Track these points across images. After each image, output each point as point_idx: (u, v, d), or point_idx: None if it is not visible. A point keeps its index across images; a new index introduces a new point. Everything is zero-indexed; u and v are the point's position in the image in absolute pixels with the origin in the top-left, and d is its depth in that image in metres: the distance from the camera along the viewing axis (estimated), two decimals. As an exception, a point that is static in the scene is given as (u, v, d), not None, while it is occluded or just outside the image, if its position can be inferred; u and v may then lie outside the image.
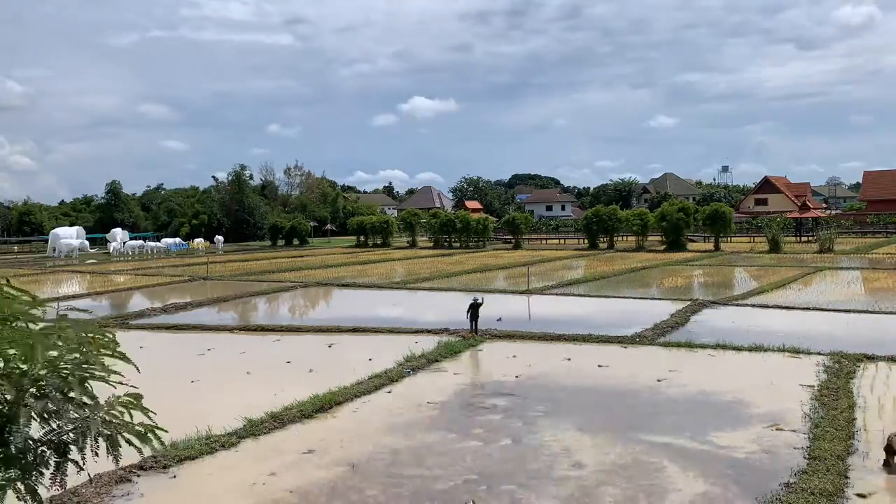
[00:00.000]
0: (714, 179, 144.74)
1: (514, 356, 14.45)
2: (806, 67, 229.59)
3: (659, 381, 12.33)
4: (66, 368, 4.74)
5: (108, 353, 5.00)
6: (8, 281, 5.03)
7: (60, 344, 4.80)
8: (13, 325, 4.76)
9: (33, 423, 4.57)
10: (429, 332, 17.27)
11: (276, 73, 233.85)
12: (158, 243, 63.07)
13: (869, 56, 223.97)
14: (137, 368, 5.16)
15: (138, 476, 8.20)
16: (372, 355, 14.52)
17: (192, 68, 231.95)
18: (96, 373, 4.86)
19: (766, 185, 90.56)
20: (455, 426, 10.08)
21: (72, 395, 4.70)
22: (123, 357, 5.13)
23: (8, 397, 4.51)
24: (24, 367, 4.60)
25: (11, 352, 4.60)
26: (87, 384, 4.79)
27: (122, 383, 5.03)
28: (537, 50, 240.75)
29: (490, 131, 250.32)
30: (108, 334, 5.17)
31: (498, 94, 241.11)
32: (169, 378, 12.63)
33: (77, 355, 4.82)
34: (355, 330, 17.95)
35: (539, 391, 11.93)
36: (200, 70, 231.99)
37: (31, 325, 4.87)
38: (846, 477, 7.73)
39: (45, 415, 4.59)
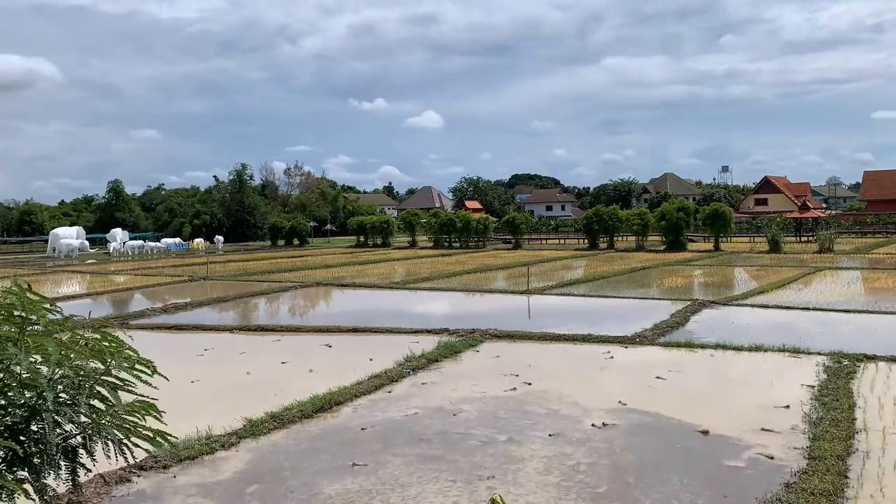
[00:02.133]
0: (714, 179, 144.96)
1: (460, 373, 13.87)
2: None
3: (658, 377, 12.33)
4: (87, 377, 4.79)
5: (127, 364, 5.07)
6: (29, 286, 5.06)
7: (82, 353, 4.86)
8: (34, 331, 4.81)
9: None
10: (429, 332, 17.26)
11: (209, 53, 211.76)
12: (158, 243, 63.13)
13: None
14: (166, 378, 5.29)
15: (138, 476, 8.21)
16: (372, 355, 14.52)
17: (109, 47, 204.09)
18: (117, 382, 4.96)
19: (766, 185, 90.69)
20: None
21: (91, 402, 4.77)
22: (147, 365, 5.20)
23: (29, 403, 4.56)
24: (47, 372, 4.64)
25: (36, 358, 4.65)
26: (108, 394, 4.87)
27: (143, 396, 5.13)
28: (521, 20, 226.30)
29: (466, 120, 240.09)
30: (126, 344, 5.23)
31: (471, 74, 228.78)
32: (169, 380, 12.62)
33: (98, 364, 4.89)
34: (355, 330, 17.95)
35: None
36: (117, 48, 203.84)
37: (52, 332, 4.93)
38: (846, 477, 7.74)
39: (59, 419, 4.64)
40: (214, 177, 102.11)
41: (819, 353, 13.69)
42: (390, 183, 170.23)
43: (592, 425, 9.93)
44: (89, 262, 50.81)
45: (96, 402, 4.82)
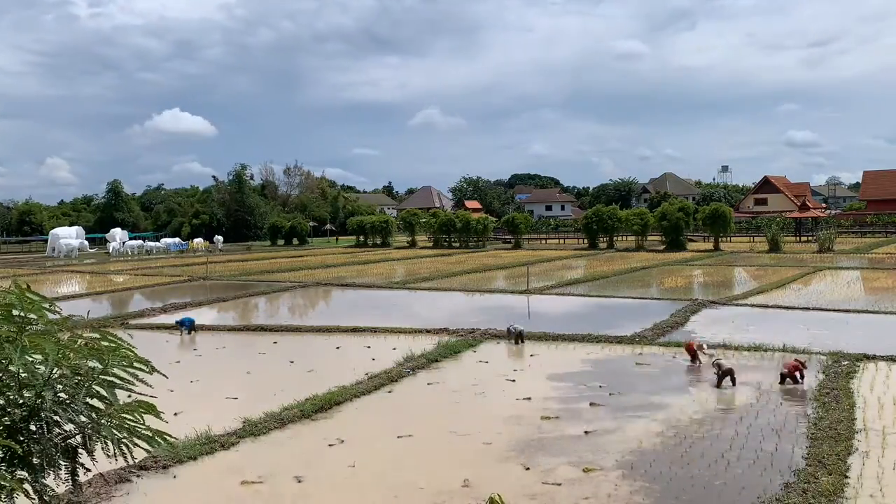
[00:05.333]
0: (714, 179, 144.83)
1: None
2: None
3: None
4: (85, 376, 4.79)
5: (125, 363, 5.07)
6: (28, 286, 5.05)
7: (80, 352, 4.86)
8: (33, 330, 4.80)
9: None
10: (428, 332, 17.25)
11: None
12: (158, 243, 63.14)
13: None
14: (165, 375, 5.29)
15: (138, 476, 8.20)
16: (371, 355, 14.52)
17: None
18: (115, 381, 4.96)
19: (766, 185, 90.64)
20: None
21: (88, 401, 4.76)
22: (144, 363, 5.19)
23: (28, 403, 4.55)
24: (45, 371, 4.63)
25: (37, 358, 4.65)
26: (106, 392, 4.86)
27: (142, 394, 5.12)
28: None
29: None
30: (126, 343, 5.22)
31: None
32: (168, 378, 12.61)
33: (96, 363, 4.89)
34: (355, 330, 17.92)
35: None
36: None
37: (50, 332, 4.92)
38: (846, 477, 7.73)
39: (58, 418, 4.63)
40: (213, 177, 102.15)
41: (819, 353, 13.68)
42: (390, 182, 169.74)
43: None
44: (88, 261, 50.79)
45: (95, 402, 4.81)
